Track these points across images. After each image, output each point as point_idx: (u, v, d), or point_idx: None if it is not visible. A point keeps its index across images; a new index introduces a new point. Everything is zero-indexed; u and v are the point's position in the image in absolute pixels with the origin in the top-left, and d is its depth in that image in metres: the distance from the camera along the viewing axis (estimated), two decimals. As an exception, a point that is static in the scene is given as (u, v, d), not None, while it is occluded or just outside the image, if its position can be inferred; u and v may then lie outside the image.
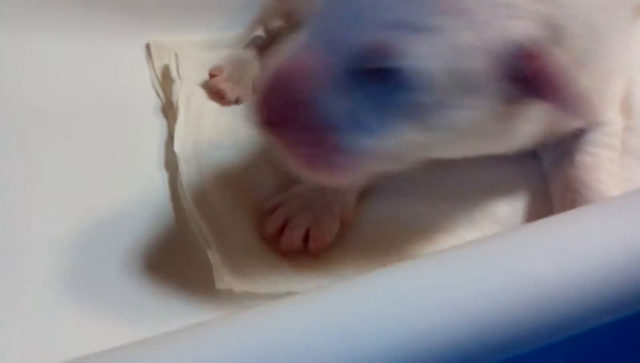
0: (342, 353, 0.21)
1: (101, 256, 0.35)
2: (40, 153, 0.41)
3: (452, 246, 0.30)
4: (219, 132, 0.42)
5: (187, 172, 0.39)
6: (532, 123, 0.33)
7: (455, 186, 0.39)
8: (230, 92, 0.45)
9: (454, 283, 0.24)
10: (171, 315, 0.32)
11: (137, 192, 0.39)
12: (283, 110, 0.29)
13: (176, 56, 0.48)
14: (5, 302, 0.32)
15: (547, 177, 0.40)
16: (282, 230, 0.35)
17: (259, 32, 0.49)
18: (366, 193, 0.38)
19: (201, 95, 0.45)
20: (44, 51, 0.46)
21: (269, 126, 0.29)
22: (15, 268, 0.34)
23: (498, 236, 0.29)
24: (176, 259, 0.36)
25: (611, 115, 0.40)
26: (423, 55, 0.28)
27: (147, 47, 0.50)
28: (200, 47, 0.51)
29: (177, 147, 0.41)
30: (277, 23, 0.49)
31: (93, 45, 0.48)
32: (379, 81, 0.28)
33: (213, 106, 0.45)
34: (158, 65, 0.49)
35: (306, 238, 0.35)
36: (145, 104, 0.46)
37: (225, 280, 0.34)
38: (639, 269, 0.25)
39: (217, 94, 0.45)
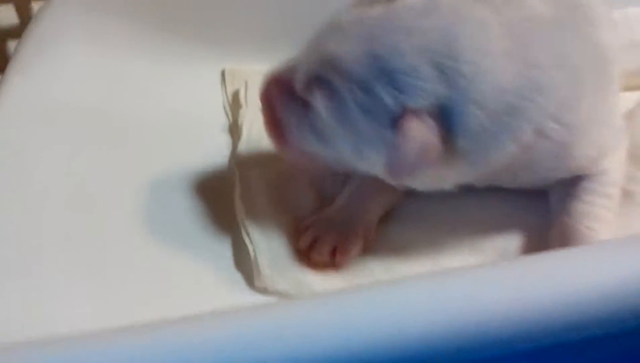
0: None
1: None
2: (125, 156, 0.48)
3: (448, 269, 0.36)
4: (275, 154, 0.50)
5: (242, 186, 0.46)
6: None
7: (469, 214, 0.44)
8: None
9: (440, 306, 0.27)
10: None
11: (200, 198, 0.46)
12: (265, 102, 0.41)
13: (246, 83, 0.55)
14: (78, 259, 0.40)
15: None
16: (313, 245, 0.42)
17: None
18: (388, 217, 0.45)
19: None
20: (135, 71, 0.54)
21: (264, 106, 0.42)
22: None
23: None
24: (221, 259, 0.43)
25: (608, 164, 0.43)
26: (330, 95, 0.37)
27: (223, 73, 0.58)
28: None
29: (237, 163, 0.48)
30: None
31: (178, 68, 0.56)
32: (306, 104, 0.39)
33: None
34: (230, 90, 0.56)
35: (334, 253, 0.42)
36: (216, 123, 0.54)
37: (263, 276, 0.40)
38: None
39: None
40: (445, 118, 0.35)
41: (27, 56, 0.50)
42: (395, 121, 0.35)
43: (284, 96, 0.40)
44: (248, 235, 0.43)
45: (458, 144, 0.36)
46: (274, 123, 0.41)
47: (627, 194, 0.44)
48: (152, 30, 0.56)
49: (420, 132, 0.35)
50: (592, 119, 0.41)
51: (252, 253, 0.42)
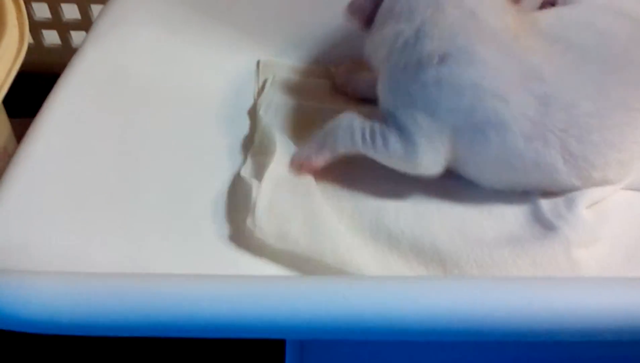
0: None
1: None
2: (165, 124, 0.57)
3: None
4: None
5: (251, 159, 0.55)
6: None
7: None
8: None
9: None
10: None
11: (216, 168, 0.56)
12: None
13: (274, 75, 0.65)
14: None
15: None
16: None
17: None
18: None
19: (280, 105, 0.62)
20: (186, 54, 0.65)
21: None
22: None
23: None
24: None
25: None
26: None
27: (258, 64, 0.68)
28: (296, 72, 0.68)
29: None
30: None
31: (221, 55, 0.67)
32: None
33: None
34: (261, 79, 0.66)
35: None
36: (246, 106, 0.64)
37: (257, 218, 0.46)
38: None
39: None
40: None
41: (100, 31, 0.61)
42: None
43: None
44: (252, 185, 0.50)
45: None
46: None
47: None
48: (204, 20, 0.67)
49: None
50: None
51: (253, 195, 0.48)
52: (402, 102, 0.49)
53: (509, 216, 0.49)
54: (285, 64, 0.69)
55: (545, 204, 0.49)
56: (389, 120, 0.50)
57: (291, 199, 0.49)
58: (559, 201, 0.49)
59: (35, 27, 0.87)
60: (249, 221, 0.47)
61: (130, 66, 0.61)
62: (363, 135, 0.50)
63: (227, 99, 0.64)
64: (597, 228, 0.47)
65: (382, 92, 0.52)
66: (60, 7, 0.85)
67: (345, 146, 0.51)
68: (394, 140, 0.49)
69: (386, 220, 0.49)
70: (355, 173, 0.53)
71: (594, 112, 0.47)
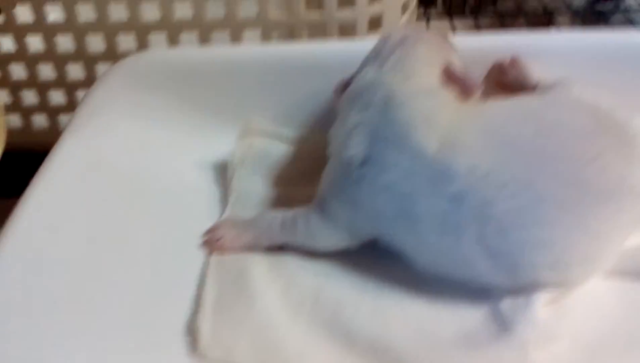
0: None
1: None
2: (136, 210, 0.59)
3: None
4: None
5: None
6: None
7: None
8: None
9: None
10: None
11: (188, 264, 0.56)
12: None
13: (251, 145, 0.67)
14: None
15: None
16: None
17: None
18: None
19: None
20: (162, 140, 0.67)
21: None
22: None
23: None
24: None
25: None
26: None
27: (240, 130, 0.68)
28: (280, 139, 0.69)
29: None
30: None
31: (195, 140, 0.68)
32: None
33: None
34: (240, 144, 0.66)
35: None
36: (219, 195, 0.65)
37: (203, 346, 0.46)
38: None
39: None
40: None
41: (80, 120, 0.64)
42: None
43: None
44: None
45: None
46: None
47: None
48: (182, 108, 0.69)
49: None
50: None
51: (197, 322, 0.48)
52: (332, 191, 0.54)
53: (468, 315, 0.49)
54: (272, 130, 0.70)
55: (505, 303, 0.48)
56: (319, 202, 0.54)
57: (237, 313, 0.49)
58: (519, 300, 0.48)
59: (25, 112, 0.91)
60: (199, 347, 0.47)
61: (108, 155, 0.63)
62: (283, 222, 0.55)
63: (202, 189, 0.65)
64: (555, 327, 0.47)
65: (323, 177, 0.56)
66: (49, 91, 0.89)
67: (268, 235, 0.55)
68: (314, 221, 0.54)
69: (344, 316, 0.49)
70: (318, 266, 0.54)
71: (515, 209, 0.46)
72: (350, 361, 0.46)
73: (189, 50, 0.76)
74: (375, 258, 0.53)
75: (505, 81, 0.64)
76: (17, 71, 0.87)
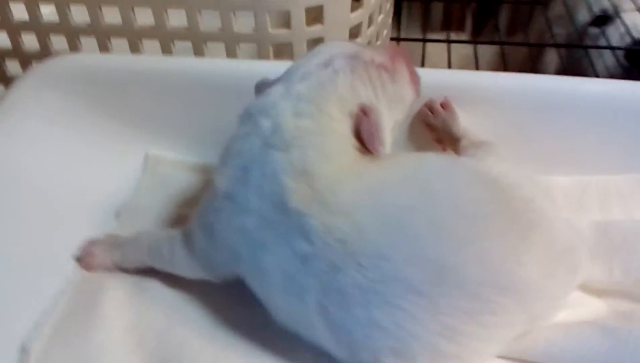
0: None
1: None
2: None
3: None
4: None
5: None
6: None
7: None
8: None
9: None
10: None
11: None
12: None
13: (156, 173, 0.66)
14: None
15: None
16: None
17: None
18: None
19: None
20: (71, 147, 0.65)
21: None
22: None
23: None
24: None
25: None
26: None
27: (146, 158, 0.68)
28: (184, 168, 0.68)
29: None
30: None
31: (106, 150, 0.67)
32: None
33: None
34: (147, 174, 0.66)
35: None
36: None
37: None
38: None
39: None
40: None
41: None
42: None
43: None
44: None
45: None
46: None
47: None
48: (95, 113, 0.67)
49: None
50: None
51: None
52: (197, 218, 0.51)
53: None
54: (177, 159, 0.69)
55: None
56: (185, 229, 0.52)
57: (76, 340, 0.49)
58: None
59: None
60: None
61: (15, 160, 0.61)
62: (150, 245, 0.54)
63: (99, 201, 0.64)
64: None
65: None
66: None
67: (137, 256, 0.54)
68: (177, 249, 0.52)
69: (183, 361, 0.47)
70: (178, 296, 0.54)
71: (362, 284, 0.41)
72: None
73: (111, 56, 0.73)
74: (240, 300, 0.50)
75: (434, 123, 0.62)
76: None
